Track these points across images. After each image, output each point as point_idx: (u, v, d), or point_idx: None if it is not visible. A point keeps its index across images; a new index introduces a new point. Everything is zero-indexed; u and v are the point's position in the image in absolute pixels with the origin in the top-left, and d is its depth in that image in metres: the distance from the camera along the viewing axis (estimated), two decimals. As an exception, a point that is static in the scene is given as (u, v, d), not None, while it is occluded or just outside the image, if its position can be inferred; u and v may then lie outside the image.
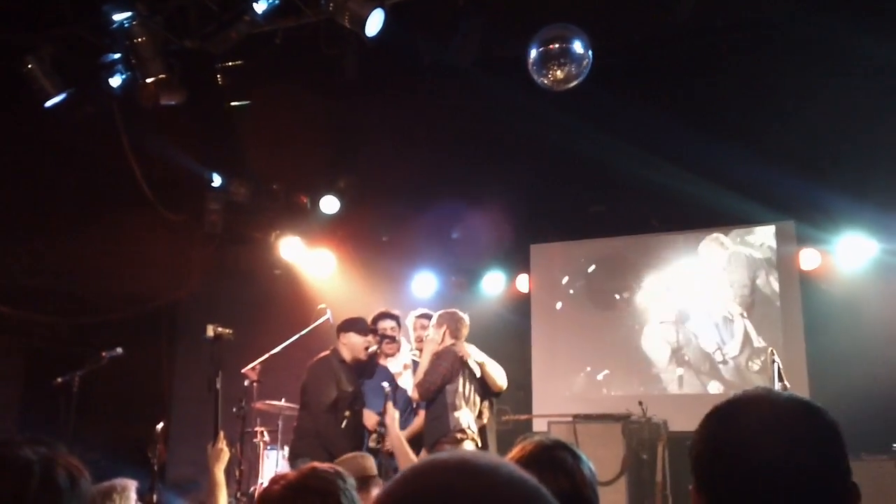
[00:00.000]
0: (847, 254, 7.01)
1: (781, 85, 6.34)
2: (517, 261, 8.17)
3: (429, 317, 5.26)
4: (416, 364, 5.19)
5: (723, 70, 6.39)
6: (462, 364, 4.88)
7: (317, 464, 2.10)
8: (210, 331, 4.35)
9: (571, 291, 7.97)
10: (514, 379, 6.88)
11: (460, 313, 5.09)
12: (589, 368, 7.72)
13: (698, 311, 7.46)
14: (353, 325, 5.27)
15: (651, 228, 7.72)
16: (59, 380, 5.15)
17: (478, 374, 4.94)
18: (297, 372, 5.36)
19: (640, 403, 6.66)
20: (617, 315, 7.75)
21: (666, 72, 6.50)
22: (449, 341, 4.96)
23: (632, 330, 7.67)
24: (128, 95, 5.72)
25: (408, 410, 5.15)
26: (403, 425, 5.07)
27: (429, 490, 0.80)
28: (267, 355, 5.66)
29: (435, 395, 4.81)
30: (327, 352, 5.26)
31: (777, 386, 4.69)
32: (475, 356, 5.01)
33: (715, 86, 6.43)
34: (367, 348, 5.23)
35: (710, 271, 7.49)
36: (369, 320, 5.35)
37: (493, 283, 8.20)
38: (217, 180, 7.32)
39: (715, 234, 7.52)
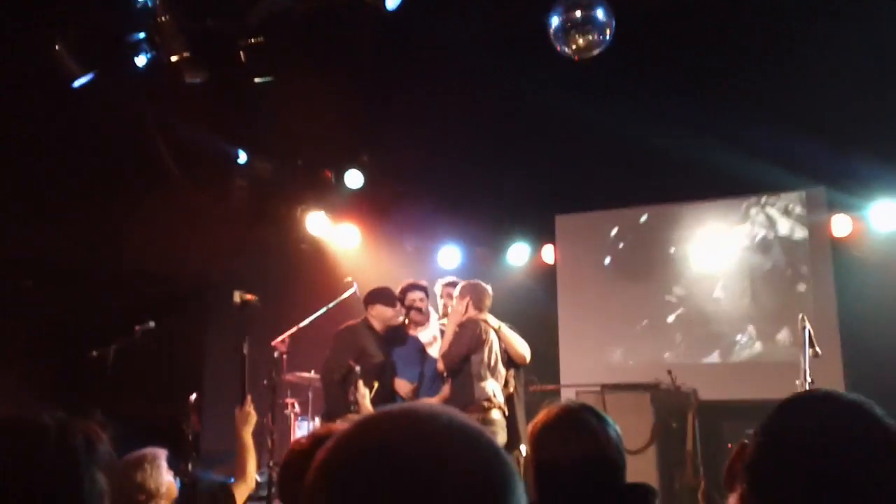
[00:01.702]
0: (880, 219, 6.83)
1: (807, 46, 6.15)
2: (542, 232, 8.13)
3: (456, 284, 5.24)
4: (444, 334, 5.19)
5: (747, 34, 6.23)
6: (486, 334, 4.88)
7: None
8: (237, 297, 4.40)
9: (597, 261, 7.92)
10: (541, 350, 6.91)
11: (483, 284, 5.06)
12: (616, 338, 7.67)
13: (727, 280, 7.34)
14: (379, 295, 5.28)
15: (678, 197, 7.60)
16: (94, 353, 5.25)
17: (503, 346, 4.96)
18: (325, 344, 5.38)
19: (669, 372, 6.67)
20: (644, 284, 7.65)
21: (689, 37, 6.33)
22: (472, 312, 4.96)
23: (659, 299, 7.58)
24: (153, 74, 5.74)
25: (436, 379, 5.18)
26: (431, 392, 5.10)
27: (371, 440, 0.83)
28: (295, 328, 5.70)
29: (460, 366, 4.82)
30: (356, 320, 5.29)
31: (808, 352, 4.62)
32: (499, 328, 5.00)
33: (739, 50, 6.26)
34: (396, 316, 5.25)
35: (739, 239, 7.37)
36: (397, 291, 5.37)
37: (518, 255, 8.20)
38: (242, 156, 7.38)
39: (744, 202, 7.39)
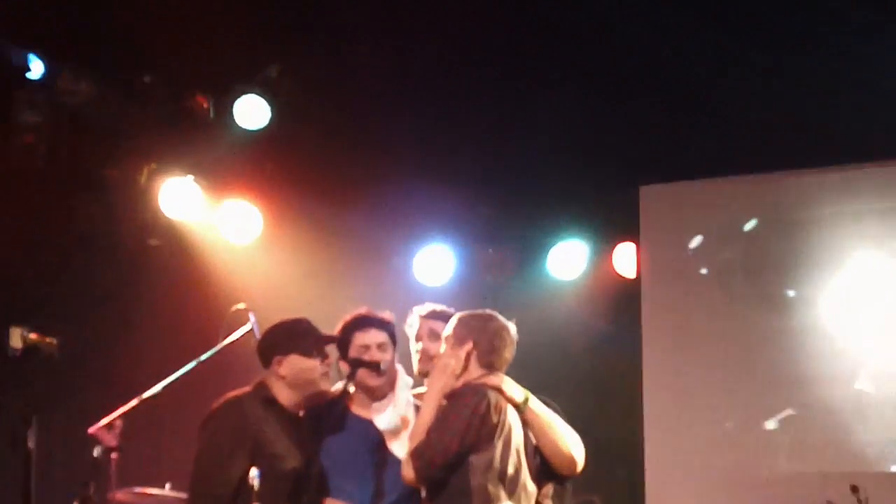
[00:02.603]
0: None
1: None
2: (614, 218, 8.24)
3: (446, 318, 5.16)
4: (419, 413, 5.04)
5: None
6: (501, 415, 4.79)
7: None
8: (16, 338, 4.35)
9: (717, 274, 8.05)
10: (610, 444, 6.92)
11: (499, 318, 4.98)
12: (751, 420, 7.74)
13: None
14: (292, 338, 5.10)
15: (867, 154, 7.69)
16: None
17: (532, 440, 4.90)
18: (193, 435, 5.08)
19: (855, 490, 6.64)
20: (803, 317, 7.80)
21: None
22: (476, 372, 4.87)
23: (832, 347, 7.70)
24: None
25: (405, 500, 5.04)
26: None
27: None
28: (136, 401, 5.75)
29: (445, 474, 4.69)
30: (245, 388, 5.09)
31: None
32: (525, 402, 4.91)
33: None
34: (326, 380, 5.15)
35: None
36: (335, 331, 5.27)
37: (567, 261, 8.27)
38: (37, 67, 7.35)
39: None
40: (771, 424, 7.72)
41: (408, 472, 4.73)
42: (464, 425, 4.68)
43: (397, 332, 5.37)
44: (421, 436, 4.75)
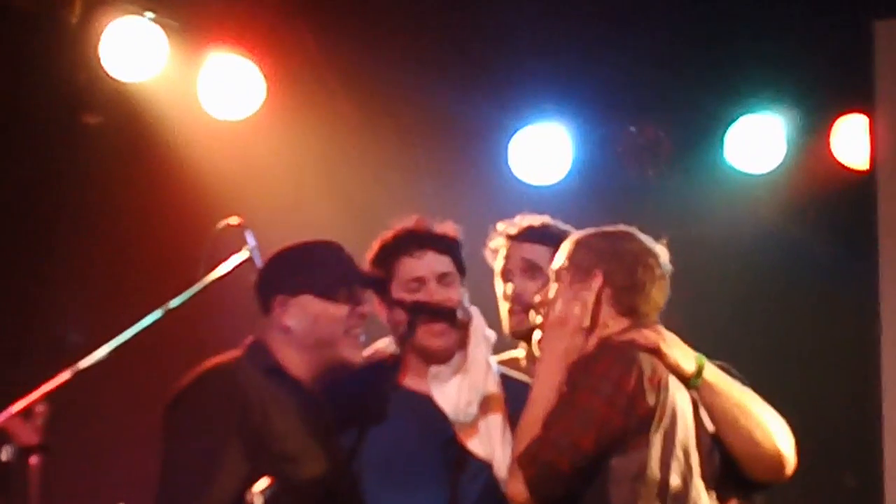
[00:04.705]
0: None
1: None
2: (832, 75, 8.44)
3: (554, 239, 5.22)
4: (515, 389, 5.17)
5: None
6: (660, 392, 4.71)
7: None
8: None
9: None
10: (829, 438, 6.91)
11: (640, 237, 4.97)
12: None
13: None
14: (307, 268, 5.23)
15: None
16: None
17: (709, 428, 4.89)
18: (157, 421, 5.13)
19: None
20: None
21: None
22: (615, 324, 4.84)
23: None
24: None
25: None
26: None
27: None
28: (68, 374, 5.80)
29: (573, 488, 4.64)
30: (233, 352, 5.18)
31: None
32: (698, 373, 4.88)
33: None
34: (347, 336, 5.13)
35: None
36: (369, 256, 5.38)
37: (759, 145, 8.49)
38: None
39: None
40: None
41: (516, 489, 4.72)
42: (602, 410, 4.65)
43: (472, 259, 5.51)
44: (534, 430, 4.73)
